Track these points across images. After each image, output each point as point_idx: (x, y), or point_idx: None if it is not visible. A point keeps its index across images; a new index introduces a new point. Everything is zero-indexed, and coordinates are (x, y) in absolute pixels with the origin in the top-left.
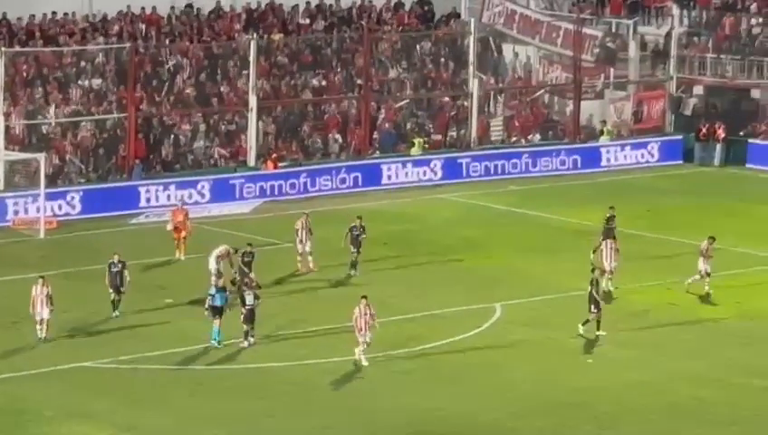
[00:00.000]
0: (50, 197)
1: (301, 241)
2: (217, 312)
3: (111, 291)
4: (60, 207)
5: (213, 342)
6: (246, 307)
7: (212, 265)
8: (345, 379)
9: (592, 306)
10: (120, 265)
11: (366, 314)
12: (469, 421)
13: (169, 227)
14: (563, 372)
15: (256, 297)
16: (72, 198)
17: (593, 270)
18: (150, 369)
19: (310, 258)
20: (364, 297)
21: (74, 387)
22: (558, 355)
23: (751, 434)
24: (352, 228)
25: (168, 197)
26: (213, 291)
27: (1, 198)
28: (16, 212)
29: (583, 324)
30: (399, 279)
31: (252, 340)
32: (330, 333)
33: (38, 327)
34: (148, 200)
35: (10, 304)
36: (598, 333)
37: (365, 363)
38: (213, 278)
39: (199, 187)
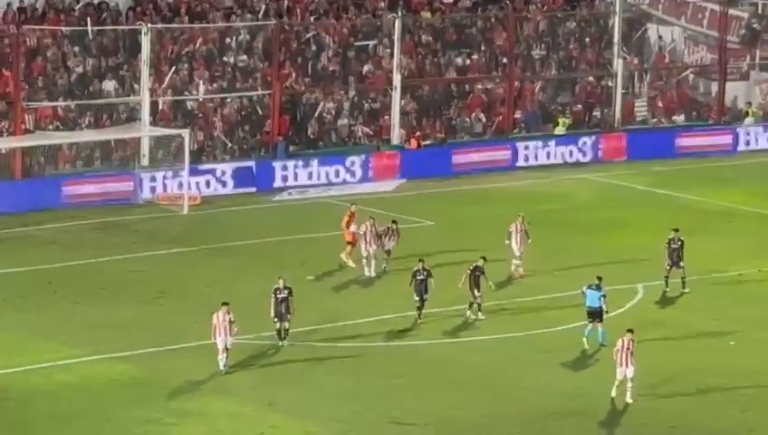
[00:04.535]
0: (194, 172)
1: (516, 244)
2: (590, 314)
3: (276, 320)
4: (207, 184)
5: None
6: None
7: (364, 252)
8: (485, 357)
9: None
10: (285, 292)
11: (628, 349)
12: (603, 402)
13: (353, 228)
14: (706, 354)
15: (429, 275)
16: (219, 174)
17: None
18: (292, 345)
19: (518, 262)
20: (630, 331)
21: (216, 362)
22: (700, 337)
23: None
24: (670, 241)
25: (311, 175)
26: (584, 288)
27: (146, 174)
28: (162, 188)
29: None
30: (541, 259)
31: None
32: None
33: (219, 357)
34: (295, 177)
35: (153, 278)
36: None
37: (629, 400)
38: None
39: (348, 164)
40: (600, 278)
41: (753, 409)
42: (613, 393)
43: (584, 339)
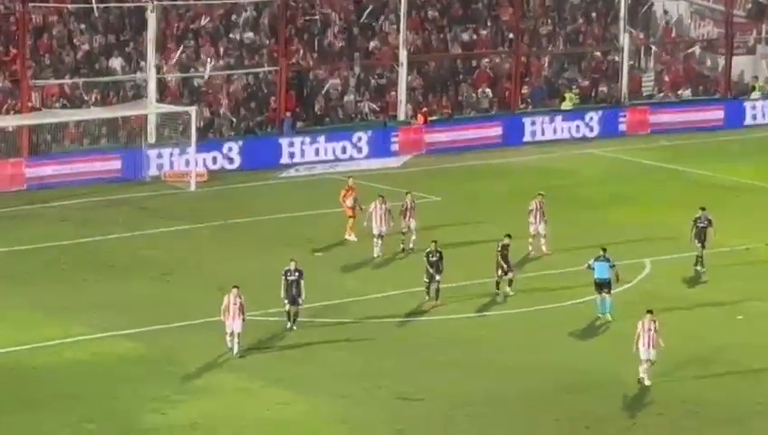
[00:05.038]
0: (202, 149)
1: (533, 222)
2: (599, 285)
3: (287, 302)
4: (214, 160)
5: (603, 314)
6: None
7: (375, 230)
8: (488, 334)
9: None
10: (296, 274)
11: (650, 330)
12: (616, 374)
13: (350, 202)
14: (713, 327)
15: (441, 257)
16: (227, 150)
17: None
18: (300, 322)
19: (543, 241)
20: (650, 312)
21: (223, 339)
22: (708, 311)
23: None
24: (697, 219)
25: (318, 151)
26: (591, 262)
27: (153, 151)
28: (170, 165)
29: None
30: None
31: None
32: (482, 286)
33: (228, 338)
34: (302, 154)
35: (161, 255)
36: None
37: (647, 383)
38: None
39: (355, 140)
40: (604, 250)
41: (762, 383)
42: (641, 375)
43: (599, 314)
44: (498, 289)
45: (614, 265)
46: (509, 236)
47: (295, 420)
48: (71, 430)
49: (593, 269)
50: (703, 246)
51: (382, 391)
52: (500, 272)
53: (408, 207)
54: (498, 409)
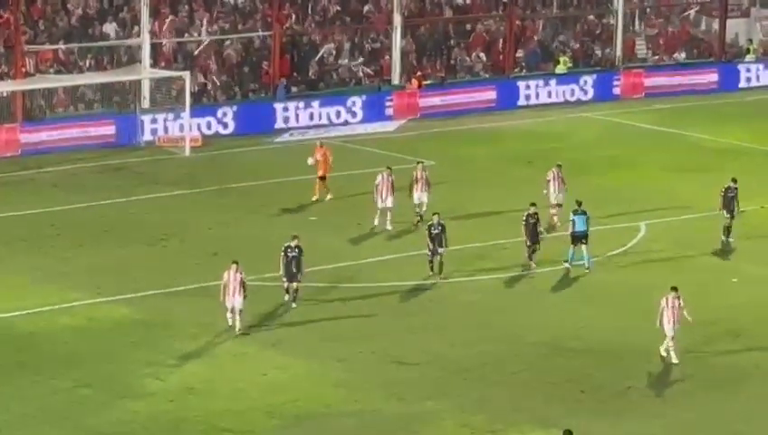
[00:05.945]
0: (196, 114)
1: (554, 192)
2: (576, 238)
3: (285, 279)
4: (209, 125)
5: (572, 265)
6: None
7: (380, 205)
8: (489, 296)
9: None
10: (296, 251)
11: (674, 307)
12: (612, 338)
13: (311, 161)
14: (708, 290)
15: (443, 230)
16: (221, 115)
17: None
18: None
19: (555, 211)
20: (674, 289)
21: (219, 304)
22: (703, 274)
23: None
24: (727, 189)
25: (312, 116)
26: (571, 217)
27: (147, 116)
28: (164, 130)
29: None
30: (543, 198)
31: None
32: (477, 250)
33: (228, 315)
34: (296, 119)
35: (156, 221)
36: None
37: (675, 361)
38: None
39: (349, 105)
40: (579, 203)
41: (757, 345)
42: (663, 353)
43: (567, 264)
44: (531, 259)
45: (589, 217)
46: (534, 204)
47: (291, 384)
48: (66, 395)
49: (573, 222)
50: (732, 217)
51: (377, 354)
52: (529, 242)
53: (419, 177)
54: (494, 372)
